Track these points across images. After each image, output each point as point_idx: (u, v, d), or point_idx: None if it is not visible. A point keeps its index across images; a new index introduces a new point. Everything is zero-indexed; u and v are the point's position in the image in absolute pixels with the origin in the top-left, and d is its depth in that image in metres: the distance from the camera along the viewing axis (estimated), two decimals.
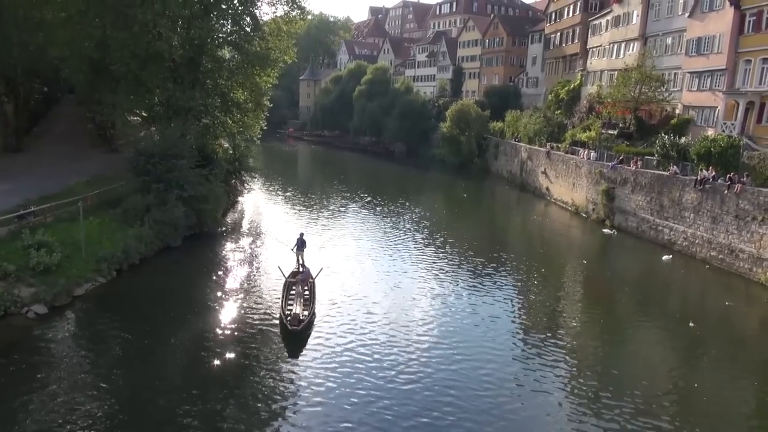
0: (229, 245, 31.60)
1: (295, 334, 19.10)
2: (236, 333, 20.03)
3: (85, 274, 22.88)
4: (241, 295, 23.72)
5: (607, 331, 22.56)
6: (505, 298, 25.09)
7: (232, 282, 25.37)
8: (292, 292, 22.50)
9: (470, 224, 42.41)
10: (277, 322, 20.71)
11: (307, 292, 22.36)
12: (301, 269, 24.72)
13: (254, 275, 26.68)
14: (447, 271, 28.19)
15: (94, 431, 14.00)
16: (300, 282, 22.79)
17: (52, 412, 14.65)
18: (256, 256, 29.93)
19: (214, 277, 25.87)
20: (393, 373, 17.50)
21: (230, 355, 18.37)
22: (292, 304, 21.31)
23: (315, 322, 20.68)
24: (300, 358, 18.41)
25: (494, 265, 29.92)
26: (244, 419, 15.01)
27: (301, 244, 26.03)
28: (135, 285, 24.16)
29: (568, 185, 46.92)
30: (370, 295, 24.12)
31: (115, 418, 14.56)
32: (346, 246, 31.92)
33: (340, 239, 33.41)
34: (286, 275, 23.93)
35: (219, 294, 23.78)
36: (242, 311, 22.02)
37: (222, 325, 20.70)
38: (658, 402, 16.75)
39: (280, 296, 22.37)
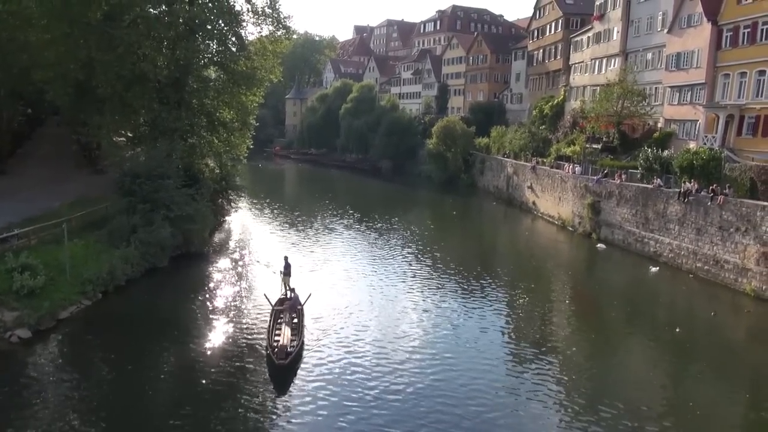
0: (215, 266, 31.33)
1: (283, 368, 17.91)
2: (221, 364, 19.02)
3: (69, 296, 22.60)
4: (227, 322, 22.88)
5: (595, 343, 22.69)
6: (495, 314, 25.13)
7: (219, 306, 24.75)
8: (280, 320, 21.54)
9: (458, 240, 42.59)
10: (264, 353, 19.49)
11: (295, 320, 21.34)
12: (288, 296, 23.60)
13: (241, 299, 25.80)
14: (437, 290, 28.06)
15: None
16: (287, 310, 21.83)
17: None
18: (242, 278, 29.42)
19: (200, 301, 25.48)
20: (386, 407, 16.50)
21: (215, 388, 17.39)
22: (279, 335, 20.14)
23: (304, 354, 19.56)
24: (287, 395, 17.20)
25: (483, 281, 29.91)
26: None
27: (287, 269, 24.91)
28: (121, 307, 23.89)
29: (554, 199, 47.29)
30: (360, 320, 23.36)
31: None
32: (334, 267, 31.49)
33: (328, 260, 33.06)
34: (273, 303, 22.80)
35: (205, 319, 23.24)
36: (228, 340, 21.10)
37: (207, 354, 19.86)
38: (647, 413, 16.81)
39: (267, 326, 21.25)
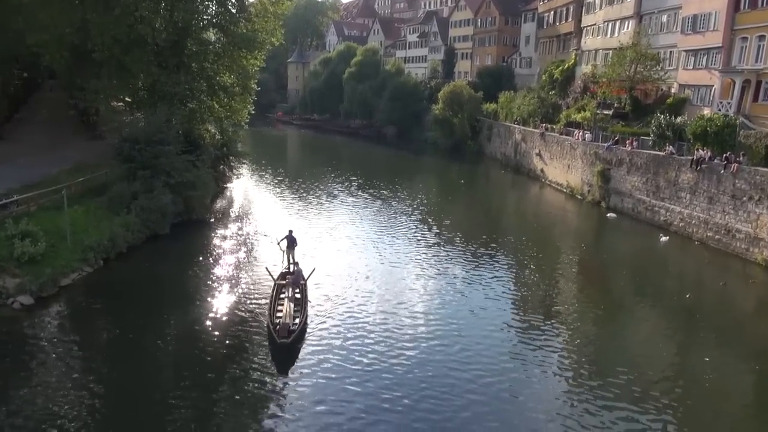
0: (217, 234, 31.31)
1: (285, 347, 17.47)
2: (221, 339, 18.84)
3: (71, 263, 22.79)
4: (229, 294, 22.66)
5: (602, 311, 22.81)
6: (501, 283, 25.23)
7: (220, 276, 24.61)
8: (282, 296, 21.00)
9: (464, 209, 42.56)
10: (266, 330, 19.14)
11: (298, 295, 20.93)
12: (291, 269, 23.14)
13: (242, 270, 25.55)
14: (443, 259, 28.09)
15: (81, 423, 14.04)
16: (290, 285, 21.28)
17: (39, 403, 14.71)
18: (244, 248, 29.19)
19: (202, 270, 25.47)
20: (392, 386, 16.21)
21: (215, 365, 17.10)
22: (281, 312, 19.64)
23: (307, 332, 19.18)
24: (289, 375, 16.82)
25: (490, 250, 29.97)
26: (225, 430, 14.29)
27: (291, 242, 24.54)
28: (122, 274, 24.11)
29: (563, 167, 47.02)
30: (365, 293, 23.03)
31: (102, 410, 14.60)
32: (338, 237, 31.31)
33: (331, 230, 32.86)
34: (275, 276, 22.43)
35: (206, 290, 23.15)
36: (229, 313, 20.84)
37: (207, 327, 19.70)
38: (653, 381, 16.96)
39: (269, 301, 20.84)
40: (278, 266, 24.13)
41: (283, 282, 22.01)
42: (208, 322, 20.13)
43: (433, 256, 28.67)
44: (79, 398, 15.04)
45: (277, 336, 17.73)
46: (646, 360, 18.51)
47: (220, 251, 28.36)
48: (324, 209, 38.68)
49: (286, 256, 24.74)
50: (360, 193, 44.60)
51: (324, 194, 43.91)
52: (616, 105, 46.97)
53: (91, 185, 29.65)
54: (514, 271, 27.20)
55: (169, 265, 25.83)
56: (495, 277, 25.96)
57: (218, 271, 25.42)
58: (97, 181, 30.07)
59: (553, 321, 21.26)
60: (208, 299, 22.20)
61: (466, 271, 26.48)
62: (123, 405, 14.94)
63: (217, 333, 19.30)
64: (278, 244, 25.03)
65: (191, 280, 24.35)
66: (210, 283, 24.00)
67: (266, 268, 23.44)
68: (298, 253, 25.31)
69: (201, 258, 27.07)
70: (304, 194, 43.70)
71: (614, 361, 18.13)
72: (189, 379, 16.31)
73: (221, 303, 21.77)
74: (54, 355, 17.36)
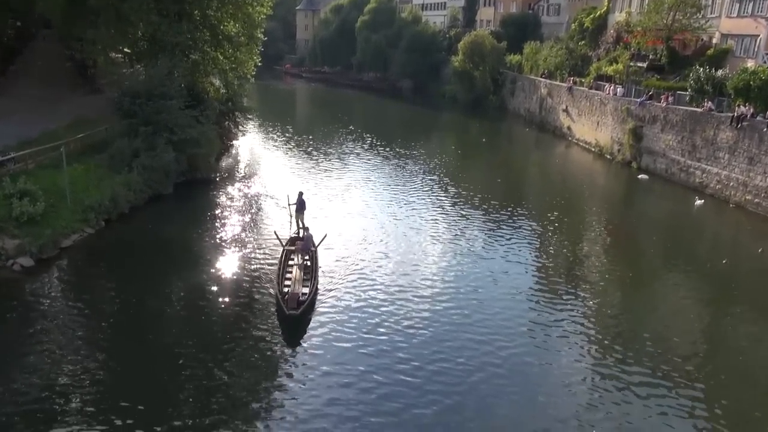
0: (223, 195, 31.36)
1: (294, 319, 17.27)
2: (226, 307, 18.86)
3: (71, 224, 22.99)
4: (235, 259, 22.62)
5: (633, 280, 22.64)
6: (524, 247, 25.11)
7: (226, 240, 24.56)
8: (291, 263, 20.79)
9: (485, 169, 42.37)
10: (273, 300, 18.97)
11: (308, 263, 20.69)
12: (301, 235, 22.84)
13: (249, 234, 25.47)
14: (462, 223, 27.94)
15: (83, 389, 14.28)
16: (300, 251, 21.10)
17: (41, 369, 14.90)
18: (251, 210, 29.18)
19: (206, 233, 25.48)
20: (407, 357, 16.01)
21: (219, 335, 17.07)
22: (290, 281, 19.42)
23: (317, 302, 18.91)
24: (298, 347, 16.59)
25: (512, 213, 29.78)
26: (229, 406, 14.05)
27: (300, 206, 24.41)
28: (124, 236, 24.35)
29: (592, 124, 46.28)
30: (380, 260, 22.67)
31: (103, 377, 14.81)
32: (350, 199, 31.12)
33: (343, 191, 32.64)
34: (284, 242, 22.19)
35: (211, 254, 23.12)
36: (235, 279, 20.84)
37: (212, 294, 19.73)
38: (687, 357, 16.75)
39: (276, 268, 20.63)
40: (287, 230, 24.14)
41: (292, 248, 21.83)
42: (213, 289, 20.16)
43: (452, 219, 28.50)
44: (80, 364, 15.24)
45: (286, 307, 17.55)
46: (676, 331, 18.32)
47: (226, 213, 28.41)
48: (335, 169, 38.55)
49: (295, 221, 24.74)
50: (374, 151, 44.40)
51: (335, 153, 43.78)
52: (651, 57, 45.79)
53: (91, 142, 29.72)
54: (538, 235, 26.97)
55: (172, 226, 25.94)
56: (517, 241, 25.75)
57: (223, 234, 25.43)
58: (97, 138, 30.14)
59: (578, 288, 21.19)
60: (213, 264, 22.16)
61: (487, 235, 26.35)
62: (125, 372, 15.08)
63: (221, 301, 19.29)
64: (288, 207, 24.97)
65: (195, 243, 24.44)
66: (215, 246, 24.00)
67: (275, 232, 23.39)
68: (308, 216, 25.15)
69: (205, 220, 27.13)
70: (314, 153, 43.57)
71: (643, 332, 17.99)
72: (192, 348, 16.29)
73: (226, 269, 21.72)
74: (55, 320, 17.61)
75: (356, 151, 44.48)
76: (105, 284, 20.26)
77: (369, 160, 41.68)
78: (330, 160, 41.37)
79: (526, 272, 22.63)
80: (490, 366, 15.88)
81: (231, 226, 26.48)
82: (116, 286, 19.97)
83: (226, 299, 19.38)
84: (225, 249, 23.75)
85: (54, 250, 21.70)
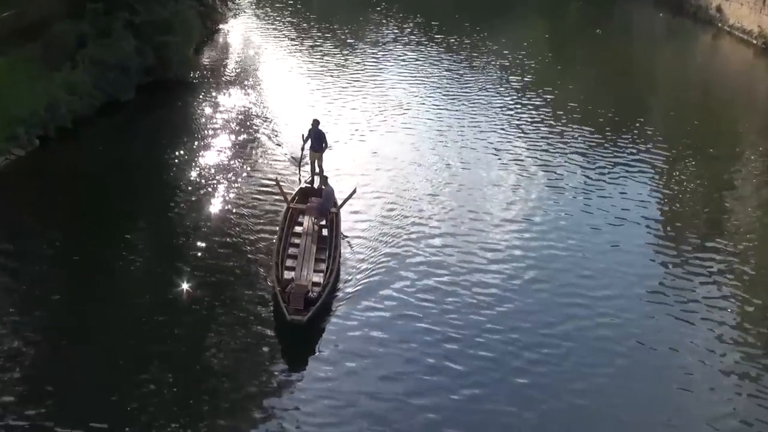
0: (203, 103, 30.57)
1: (299, 329, 15.05)
2: (198, 289, 17.12)
3: None
4: (214, 210, 21.26)
5: None
6: (646, 191, 24.14)
7: (204, 176, 23.43)
8: (298, 230, 18.98)
9: (587, 73, 39.88)
10: (267, 293, 17.03)
11: (324, 231, 18.98)
12: (317, 186, 21.49)
13: (239, 169, 24.14)
14: (555, 157, 26.43)
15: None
16: (313, 213, 19.16)
17: None
18: (243, 130, 27.82)
19: (178, 160, 24.72)
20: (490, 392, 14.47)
21: (186, 336, 15.72)
22: (295, 261, 17.44)
23: (337, 299, 16.84)
24: (305, 370, 14.84)
25: (627, 138, 28.47)
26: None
27: (316, 139, 22.45)
28: (66, 161, 23.72)
29: (755, 3, 43.32)
30: (432, 226, 20.77)
31: (36, 337, 14.97)
32: (392, 127, 28.64)
33: (381, 114, 30.07)
34: (290, 196, 20.30)
35: (181, 194, 22.10)
36: (212, 247, 19.20)
37: (180, 257, 18.50)
38: None
39: (276, 238, 18.47)
40: (293, 180, 22.83)
41: (302, 206, 19.87)
42: (182, 252, 18.87)
43: (540, 152, 26.82)
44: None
45: (287, 308, 15.11)
46: None
47: (207, 133, 27.43)
48: (365, 75, 36.14)
49: (308, 164, 23.05)
50: (423, 48, 41.74)
51: (365, 48, 41.38)
52: None
53: (18, 26, 28.26)
54: (668, 173, 25.79)
55: (131, 149, 25.31)
56: (633, 178, 24.83)
57: (202, 165, 24.44)
58: (26, 20, 28.71)
59: (722, 251, 20.15)
60: (184, 211, 21.23)
61: (591, 170, 25.31)
62: (53, 359, 14.52)
63: (192, 279, 17.39)
64: (302, 142, 23.10)
65: (161, 175, 23.62)
66: (188, 184, 23.05)
67: (276, 180, 21.41)
68: (328, 158, 23.61)
69: (177, 141, 26.28)
70: (334, 45, 41.26)
71: None
72: (142, 344, 15.10)
73: (201, 222, 20.52)
74: None
75: (396, 46, 41.79)
76: (38, 228, 19.48)
77: (415, 61, 39.07)
78: (356, 59, 38.90)
79: (649, 224, 21.84)
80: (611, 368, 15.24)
81: (212, 154, 25.51)
82: (53, 233, 19.35)
83: (199, 277, 17.52)
84: (201, 192, 22.53)
85: None
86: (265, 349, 15.48)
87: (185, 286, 17.21)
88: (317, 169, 22.58)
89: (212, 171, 24.11)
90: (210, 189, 22.78)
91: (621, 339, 16.13)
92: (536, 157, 26.33)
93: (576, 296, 17.58)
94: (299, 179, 22.88)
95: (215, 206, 21.71)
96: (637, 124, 30.07)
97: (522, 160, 26.07)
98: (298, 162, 23.47)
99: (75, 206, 20.83)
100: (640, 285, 18.39)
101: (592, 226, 21.50)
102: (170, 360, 14.86)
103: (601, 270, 18.90)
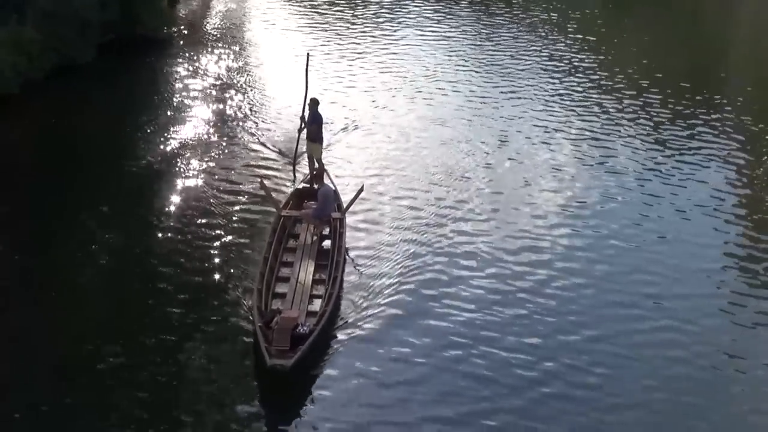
0: (179, 66, 29.82)
1: (283, 373, 13.18)
2: (161, 311, 15.76)
3: None
4: (185, 209, 19.89)
5: None
6: (720, 186, 22.93)
7: (175, 161, 22.41)
8: (291, 246, 17.55)
9: (651, 36, 38.59)
10: (248, 325, 15.31)
11: (325, 243, 17.61)
12: (314, 184, 19.92)
13: (218, 159, 22.85)
14: (608, 136, 25.45)
15: None
16: (310, 219, 17.86)
17: None
18: (228, 98, 27.11)
19: (145, 136, 23.85)
20: None
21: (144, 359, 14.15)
22: (286, 285, 16.01)
23: (335, 336, 15.03)
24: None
25: (701, 118, 27.39)
26: None
27: (313, 120, 20.69)
28: (9, 133, 23.31)
29: None
30: (460, 234, 19.04)
31: None
32: (406, 102, 27.32)
33: (393, 86, 28.86)
34: (280, 201, 18.88)
35: (149, 182, 21.12)
36: (181, 254, 17.82)
37: (142, 260, 17.41)
38: None
39: (262, 255, 16.62)
40: (286, 176, 21.56)
41: (295, 213, 18.37)
42: (142, 264, 17.38)
43: (593, 130, 25.87)
44: None
45: (268, 351, 13.24)
46: None
47: (181, 105, 26.44)
48: (380, 33, 35.27)
49: (304, 154, 21.46)
50: (445, 7, 40.36)
51: (371, 14, 39.62)
52: None
53: None
54: (745, 154, 24.97)
55: (88, 122, 24.53)
56: (708, 163, 24.04)
57: (174, 146, 23.26)
58: None
59: None
60: (148, 205, 20.08)
61: (656, 152, 24.55)
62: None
63: (155, 302, 16.04)
64: (299, 126, 21.49)
65: (123, 156, 22.49)
66: (155, 169, 21.87)
67: (261, 181, 19.63)
68: (329, 143, 22.35)
69: (144, 115, 25.35)
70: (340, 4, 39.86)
71: None
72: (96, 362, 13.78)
73: (168, 222, 19.22)
74: None
75: (410, 16, 40.06)
76: None
77: (438, 23, 37.82)
78: (373, 11, 38.54)
79: (728, 210, 21.39)
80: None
81: (188, 130, 24.42)
82: None
83: (156, 309, 15.97)
84: (171, 179, 21.38)
85: None
86: (239, 403, 13.62)
87: (142, 314, 15.76)
88: (315, 164, 20.92)
89: (187, 154, 22.99)
90: (182, 177, 21.65)
91: (703, 353, 15.12)
92: (592, 138, 25.34)
93: (641, 297, 16.77)
94: (294, 177, 21.25)
95: (187, 201, 20.40)
96: (714, 98, 29.27)
97: (575, 140, 25.16)
98: (293, 155, 21.83)
99: (16, 192, 19.92)
100: (712, 287, 17.66)
101: (657, 216, 20.67)
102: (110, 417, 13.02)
103: (667, 268, 18.01)
